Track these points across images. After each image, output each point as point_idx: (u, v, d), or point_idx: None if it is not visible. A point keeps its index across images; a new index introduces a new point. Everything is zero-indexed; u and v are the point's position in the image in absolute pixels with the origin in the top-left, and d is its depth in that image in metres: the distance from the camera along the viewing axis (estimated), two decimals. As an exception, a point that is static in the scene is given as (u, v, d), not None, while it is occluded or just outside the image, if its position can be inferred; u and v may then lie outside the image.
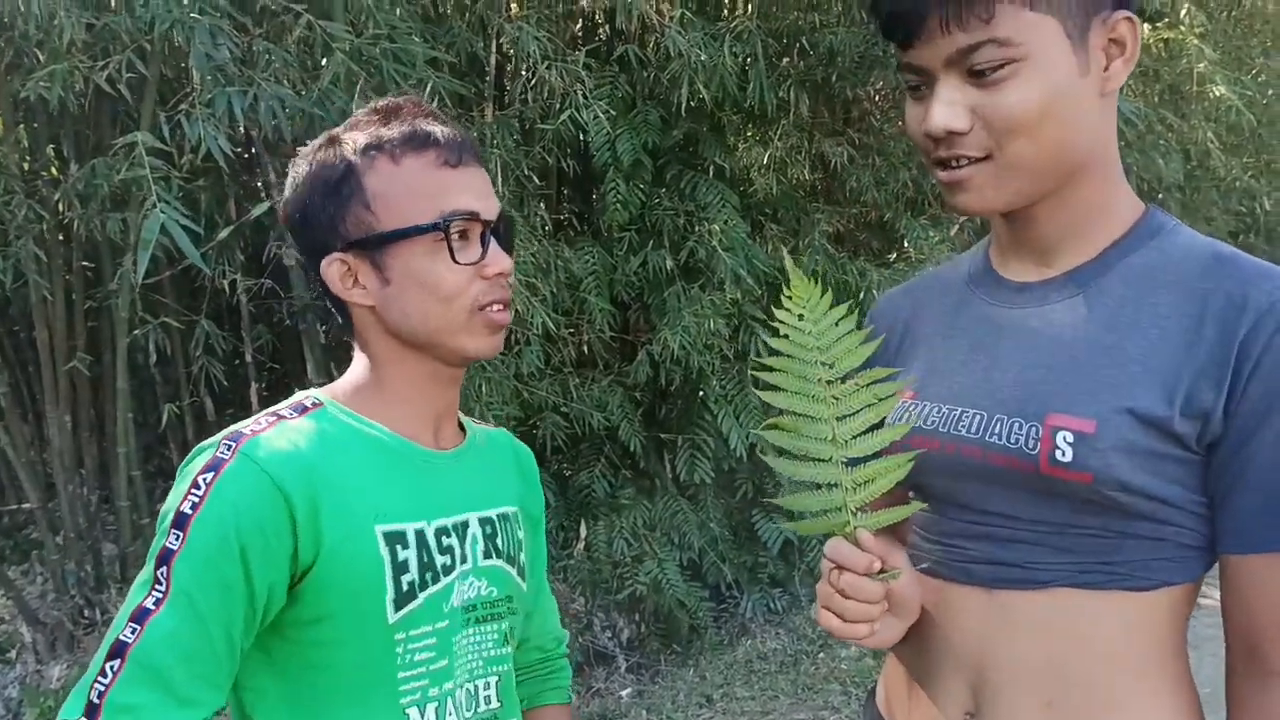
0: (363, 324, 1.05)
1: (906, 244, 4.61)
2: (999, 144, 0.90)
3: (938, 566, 1.01)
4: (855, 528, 0.91)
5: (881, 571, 0.92)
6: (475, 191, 1.02)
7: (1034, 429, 0.90)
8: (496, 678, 1.08)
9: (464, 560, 1.04)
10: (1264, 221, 7.19)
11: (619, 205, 3.83)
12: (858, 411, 0.91)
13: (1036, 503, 0.92)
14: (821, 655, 3.87)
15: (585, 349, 4.08)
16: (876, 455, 0.92)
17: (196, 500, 0.90)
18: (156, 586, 0.88)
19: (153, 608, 0.87)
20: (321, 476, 0.94)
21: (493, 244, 1.02)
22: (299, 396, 1.05)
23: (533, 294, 3.46)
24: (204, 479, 0.91)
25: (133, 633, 0.87)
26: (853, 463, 0.91)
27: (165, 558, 0.89)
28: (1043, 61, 0.87)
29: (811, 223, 4.30)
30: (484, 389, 3.47)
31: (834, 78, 4.20)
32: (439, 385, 1.07)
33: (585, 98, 3.52)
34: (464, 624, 1.04)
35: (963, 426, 0.97)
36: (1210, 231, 6.32)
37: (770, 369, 0.92)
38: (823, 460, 0.91)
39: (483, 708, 1.06)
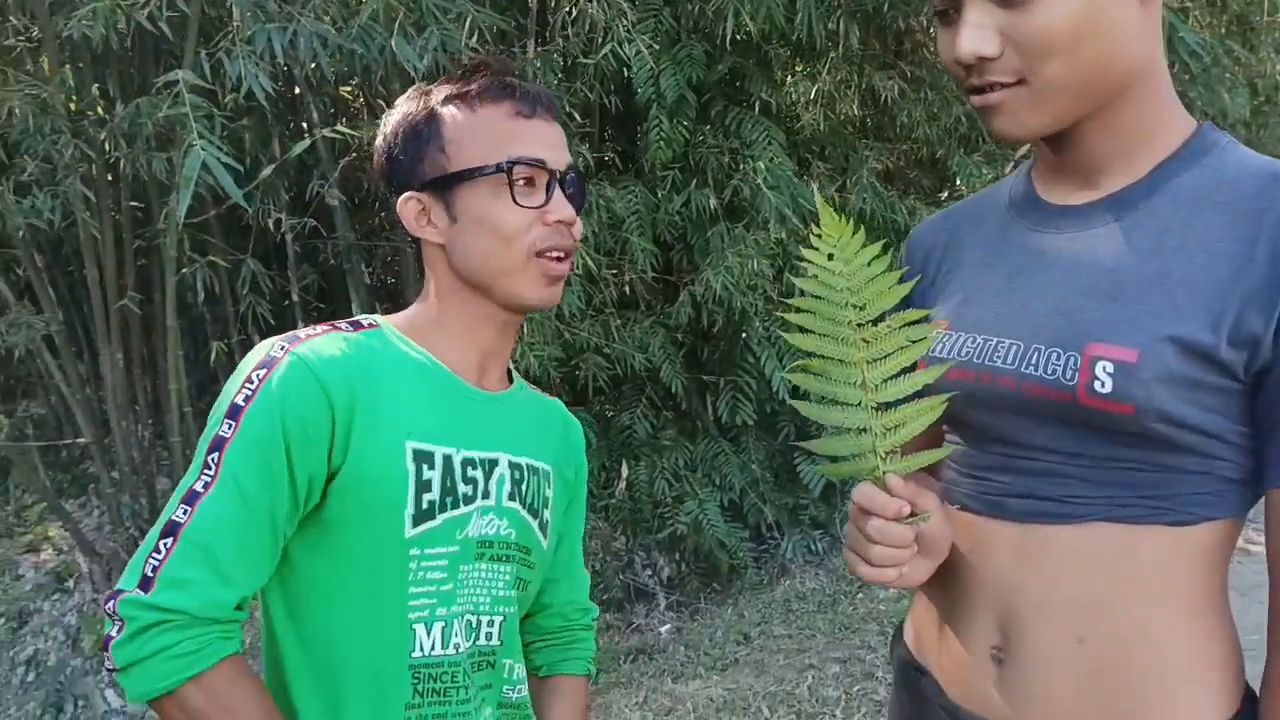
0: (432, 259, 1.10)
1: (959, 181, 4.50)
2: (1032, 67, 0.86)
3: (970, 500, 0.99)
4: (885, 472, 0.89)
5: (911, 515, 0.90)
6: (544, 141, 1.06)
7: (1072, 359, 0.87)
8: (502, 618, 1.10)
9: (486, 495, 1.07)
10: (1334, 158, 6.91)
11: (662, 143, 3.78)
12: (889, 355, 0.88)
13: (1074, 435, 0.89)
14: (860, 596, 3.88)
15: (627, 289, 4.06)
16: (909, 399, 0.89)
17: (250, 393, 0.96)
18: (206, 471, 0.94)
19: (202, 490, 0.93)
20: (362, 385, 0.99)
21: (557, 192, 1.06)
22: (359, 316, 1.10)
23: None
24: (258, 375, 0.97)
25: (184, 514, 0.92)
26: (883, 407, 0.89)
27: (218, 445, 0.95)
28: None
29: (860, 160, 4.21)
30: (525, 329, 3.48)
31: (885, 7, 4.07)
32: (493, 328, 1.10)
33: (628, 32, 3.45)
34: (475, 556, 1.06)
35: (998, 357, 0.94)
36: (1277, 169, 6.10)
37: (798, 310, 0.90)
38: (852, 405, 0.88)
39: (483, 642, 1.09)
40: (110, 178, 3.61)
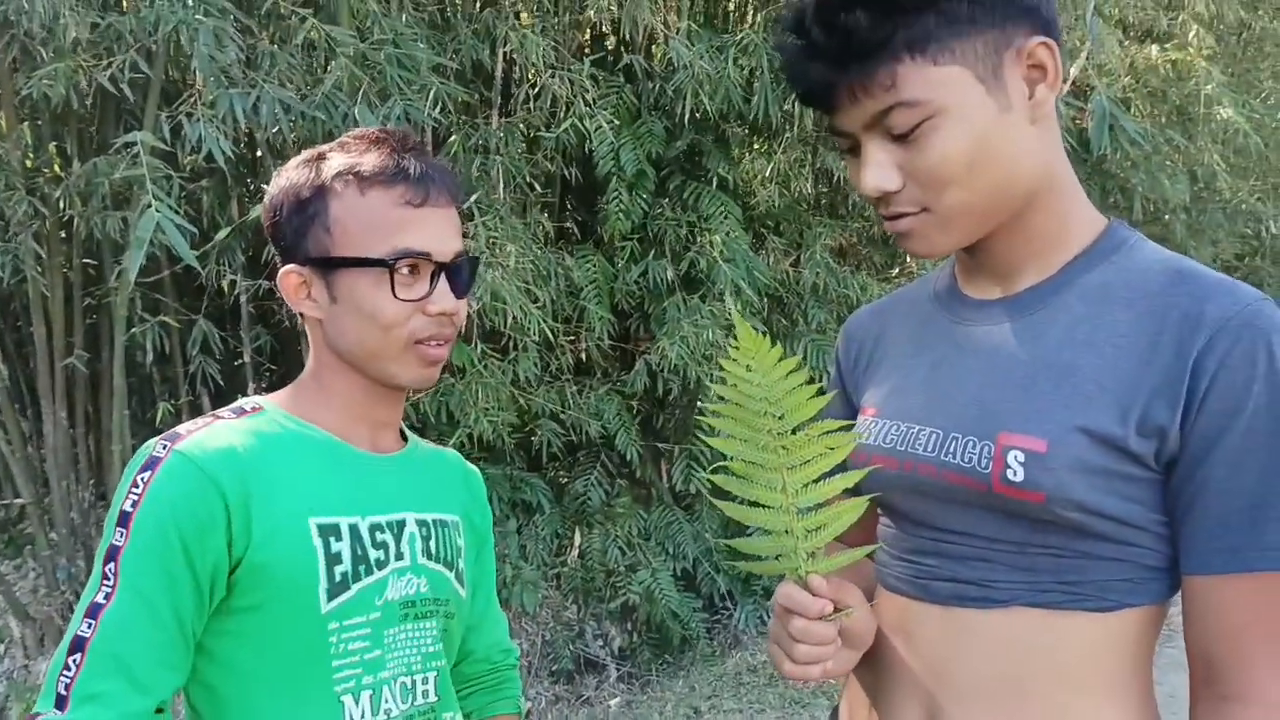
0: (311, 333, 1.11)
1: (908, 259, 4.61)
2: (933, 196, 0.90)
3: (899, 583, 1.01)
4: (807, 573, 0.90)
5: (834, 612, 0.91)
6: (433, 232, 1.05)
7: (986, 447, 0.90)
8: (435, 673, 1.11)
9: (400, 557, 1.08)
10: (1270, 245, 7.16)
11: (621, 214, 3.84)
12: (809, 461, 0.90)
13: (993, 521, 0.92)
14: (812, 670, 3.85)
15: (584, 357, 4.08)
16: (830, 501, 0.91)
17: (136, 498, 0.95)
18: (105, 582, 0.94)
19: (104, 602, 0.93)
20: (254, 470, 0.99)
21: (441, 283, 1.06)
22: (240, 401, 1.10)
23: (531, 301, 3.46)
24: (142, 478, 0.96)
25: (89, 627, 0.92)
26: (804, 510, 0.90)
27: (112, 554, 0.94)
28: (958, 111, 0.87)
29: (814, 235, 4.30)
30: (480, 394, 3.47)
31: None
32: (376, 399, 1.11)
33: (589, 106, 3.52)
34: (400, 619, 1.07)
35: (919, 444, 0.96)
36: (1215, 254, 6.32)
37: (717, 415, 0.92)
38: (773, 508, 0.90)
39: (420, 701, 1.09)
40: (63, 235, 3.57)
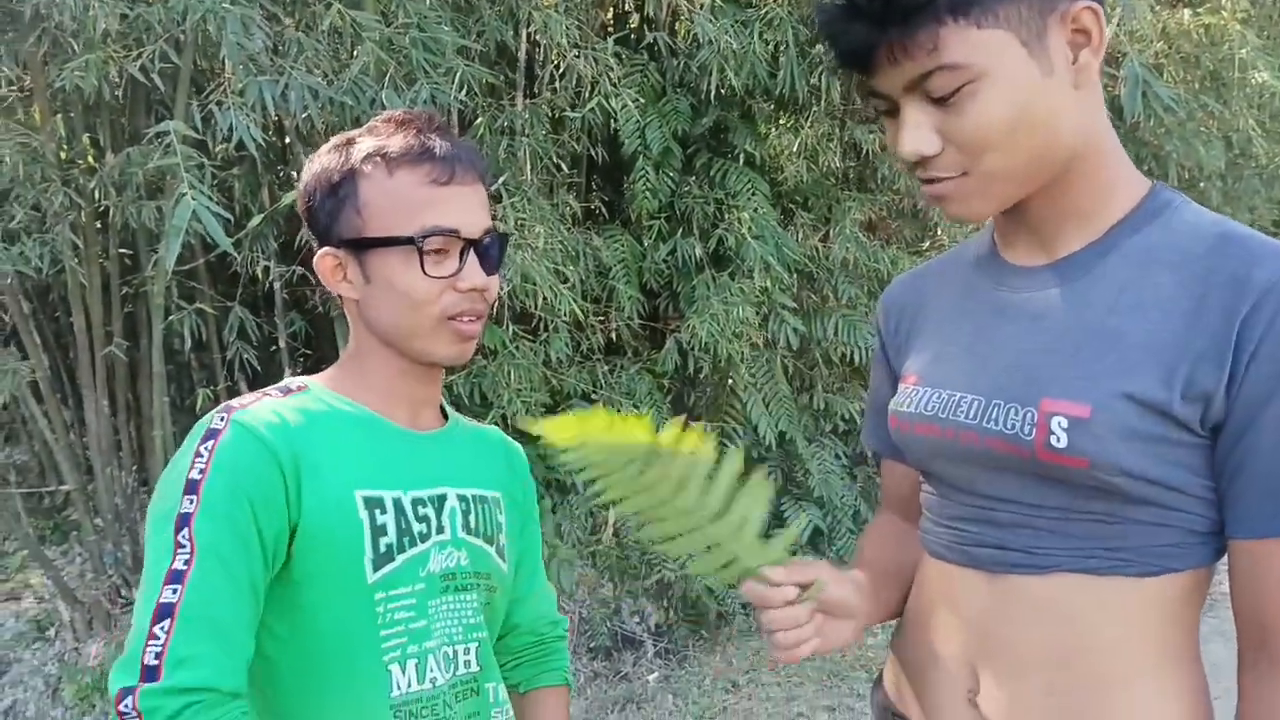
0: (350, 314, 1.13)
1: (940, 231, 4.57)
2: (973, 160, 0.89)
3: (944, 550, 1.01)
4: (758, 567, 0.92)
5: (806, 589, 0.94)
6: (461, 209, 1.07)
7: (1029, 414, 0.90)
8: (476, 644, 1.13)
9: (441, 530, 1.10)
10: (1309, 210, 7.04)
11: (648, 193, 3.84)
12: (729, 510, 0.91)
13: (1036, 487, 0.92)
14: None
15: (614, 336, 4.09)
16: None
17: (203, 465, 0.97)
18: (180, 549, 0.94)
19: (184, 567, 0.93)
20: (303, 444, 1.02)
21: (471, 260, 1.07)
22: (286, 381, 1.13)
23: (561, 281, 3.47)
24: (205, 447, 0.99)
25: (174, 593, 0.92)
26: (719, 518, 0.91)
27: (184, 521, 0.95)
28: (1000, 76, 0.86)
29: (843, 210, 4.28)
30: (513, 375, 3.50)
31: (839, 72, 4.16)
32: (415, 378, 1.13)
33: (614, 85, 3.52)
34: (441, 590, 1.09)
35: (961, 412, 0.96)
36: (1252, 221, 6.21)
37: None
38: (686, 534, 0.91)
39: (462, 670, 1.11)
40: (99, 225, 3.62)
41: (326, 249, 1.09)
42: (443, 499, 1.12)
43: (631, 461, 0.89)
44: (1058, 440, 0.87)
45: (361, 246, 1.06)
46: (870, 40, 0.87)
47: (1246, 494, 0.84)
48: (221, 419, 1.01)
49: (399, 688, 1.04)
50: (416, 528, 1.08)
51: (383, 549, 1.04)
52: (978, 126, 0.87)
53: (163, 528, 0.95)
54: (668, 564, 3.92)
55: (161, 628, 0.90)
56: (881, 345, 1.17)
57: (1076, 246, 0.95)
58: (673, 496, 0.90)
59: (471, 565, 1.13)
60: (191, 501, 0.96)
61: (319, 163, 1.10)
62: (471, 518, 1.15)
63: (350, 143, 1.09)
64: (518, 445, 1.31)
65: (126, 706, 0.89)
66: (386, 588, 1.04)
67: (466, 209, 1.07)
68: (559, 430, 0.90)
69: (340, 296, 1.11)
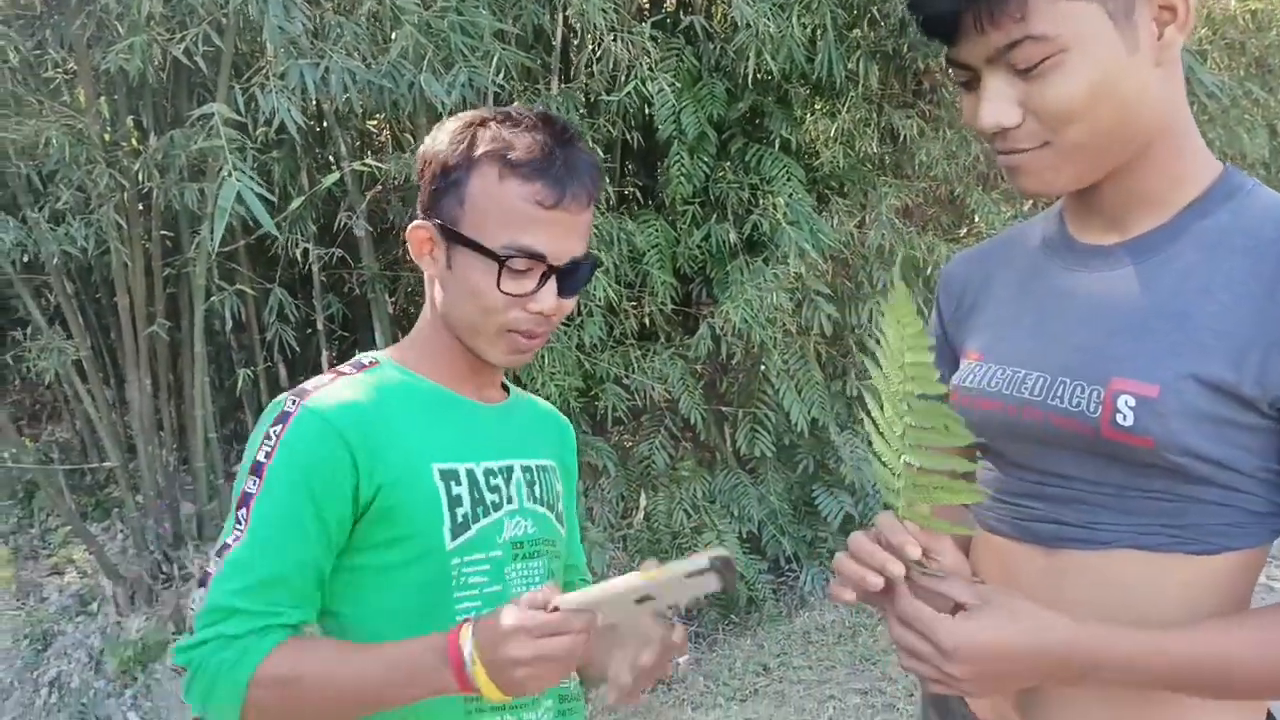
0: (429, 288, 1.15)
1: (977, 219, 4.53)
2: (1054, 132, 0.89)
3: (1000, 525, 1.02)
4: (903, 517, 0.91)
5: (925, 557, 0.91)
6: (556, 236, 1.06)
7: (1096, 392, 0.90)
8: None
9: (510, 500, 1.14)
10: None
11: (683, 178, 3.83)
12: (928, 427, 0.88)
13: (1098, 465, 0.92)
14: (880, 628, 3.86)
15: (647, 321, 4.10)
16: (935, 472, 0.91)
17: (269, 449, 1.02)
18: (237, 526, 1.01)
19: (232, 543, 1.00)
20: (379, 421, 1.05)
21: (549, 285, 1.07)
22: (359, 356, 1.16)
23: (596, 266, 3.48)
24: (274, 431, 1.03)
25: (217, 565, 1.01)
26: (911, 469, 0.90)
27: (245, 501, 1.01)
28: (1086, 48, 0.85)
29: (879, 196, 4.25)
30: (547, 359, 3.52)
31: (905, 48, 4.13)
32: (477, 361, 1.15)
33: (650, 70, 3.52)
34: (514, 558, 1.13)
35: (1025, 389, 0.97)
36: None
37: (877, 341, 0.91)
38: (890, 448, 0.90)
39: None
40: (142, 207, 3.68)
41: (423, 221, 1.11)
42: (510, 470, 1.16)
43: (902, 374, 0.89)
44: (1124, 419, 0.87)
45: (453, 236, 1.08)
46: (956, 7, 0.87)
47: None
48: (294, 402, 1.04)
49: None
50: (489, 498, 1.11)
51: (459, 519, 1.08)
52: (1061, 99, 0.87)
53: (234, 505, 1.02)
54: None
55: (199, 594, 1.00)
56: (940, 321, 1.17)
57: (1147, 228, 0.95)
58: (905, 427, 0.89)
59: (538, 533, 1.17)
60: (255, 483, 1.01)
61: (444, 136, 1.10)
62: (536, 488, 1.19)
63: (480, 125, 1.09)
64: (566, 419, 1.35)
65: (171, 660, 0.99)
66: (463, 554, 1.08)
67: (562, 236, 1.07)
68: (904, 298, 0.88)
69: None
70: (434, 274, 1.12)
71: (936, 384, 0.88)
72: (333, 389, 1.06)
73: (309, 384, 1.08)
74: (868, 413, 0.93)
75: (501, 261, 1.05)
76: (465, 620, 0.98)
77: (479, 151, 1.07)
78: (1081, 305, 0.97)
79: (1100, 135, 0.89)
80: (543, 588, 0.96)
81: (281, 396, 1.07)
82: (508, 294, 1.06)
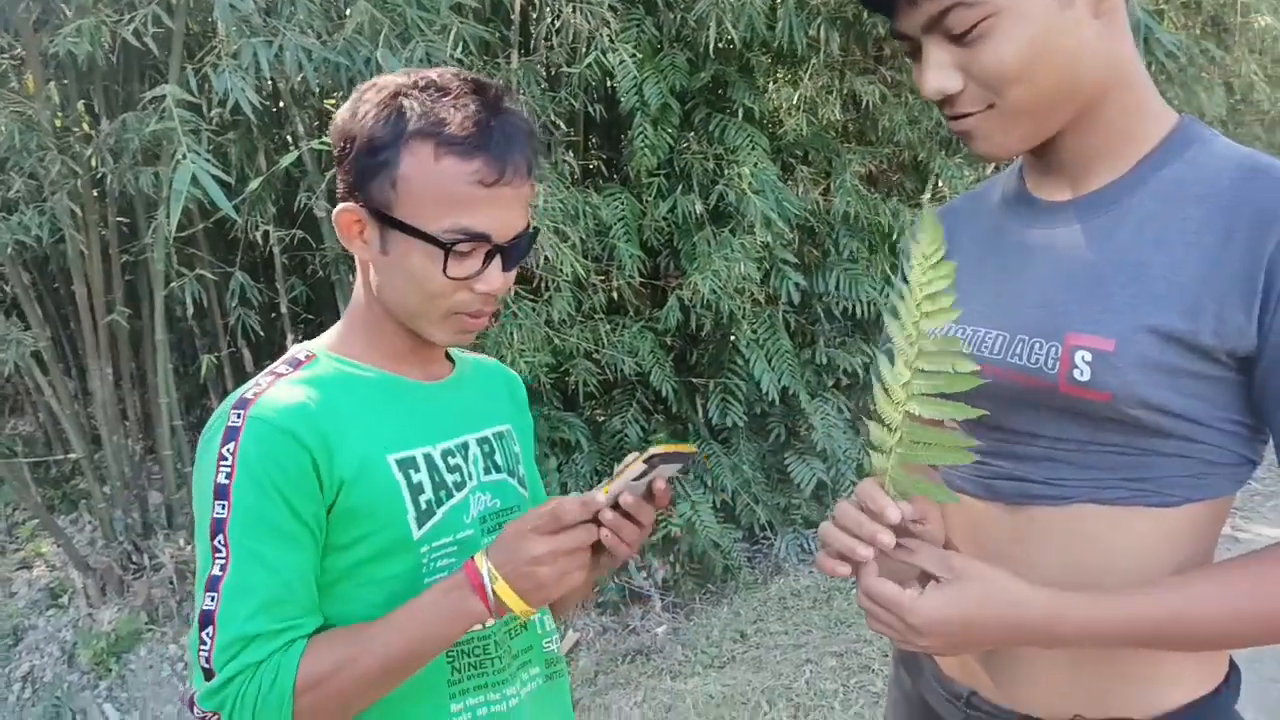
0: (361, 272, 1.10)
1: (940, 183, 4.55)
2: (996, 94, 0.90)
3: (965, 484, 1.03)
4: (894, 486, 0.91)
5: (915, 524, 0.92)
6: (499, 214, 1.01)
7: (1054, 348, 0.91)
8: None
9: (471, 477, 1.12)
10: (1310, 155, 6.99)
11: (647, 150, 3.81)
12: (934, 373, 0.89)
13: (1058, 421, 0.93)
14: (854, 591, 3.87)
15: (616, 295, 4.09)
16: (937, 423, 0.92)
17: (228, 470, 0.97)
18: (218, 555, 0.96)
19: (220, 574, 0.96)
20: (327, 419, 1.01)
21: (494, 265, 1.03)
22: (292, 351, 1.11)
23: (562, 240, 3.46)
24: (228, 450, 0.98)
25: (212, 600, 0.96)
26: (912, 421, 0.90)
27: (218, 527, 0.97)
28: (1017, 8, 0.86)
29: (844, 163, 4.25)
30: (515, 336, 3.50)
31: (865, 14, 4.12)
32: (420, 341, 1.11)
33: (611, 41, 3.48)
34: (483, 532, 1.12)
35: (986, 347, 0.98)
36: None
37: (901, 297, 0.92)
38: (892, 400, 0.91)
39: None
40: (97, 193, 3.61)
41: (350, 205, 1.04)
42: (465, 447, 1.13)
43: (917, 306, 0.90)
44: (1081, 374, 0.88)
45: (387, 220, 1.01)
46: None
47: None
48: (238, 415, 0.99)
49: None
50: (450, 479, 1.09)
51: (423, 506, 1.05)
52: (997, 62, 0.88)
53: (204, 538, 0.98)
54: (673, 521, 3.95)
55: (207, 634, 0.95)
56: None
57: (1104, 182, 0.95)
58: (912, 366, 0.89)
59: (503, 503, 1.15)
60: (223, 507, 0.97)
61: (363, 110, 1.02)
62: (496, 456, 1.17)
63: (405, 96, 1.01)
64: (514, 373, 1.32)
65: (199, 711, 0.95)
66: (431, 540, 1.06)
67: (505, 214, 1.02)
68: (932, 229, 0.90)
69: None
70: (366, 258, 1.06)
71: (951, 310, 0.88)
72: (274, 392, 1.01)
73: (247, 391, 1.02)
74: (877, 376, 0.94)
75: (447, 248, 0.99)
76: None
77: (410, 128, 0.99)
78: (1039, 262, 0.97)
79: (1042, 93, 0.89)
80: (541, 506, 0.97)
81: (222, 409, 1.01)
82: (454, 279, 1.01)
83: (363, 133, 1.01)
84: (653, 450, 0.99)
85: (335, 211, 1.06)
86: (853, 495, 0.94)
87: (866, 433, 0.94)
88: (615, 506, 1.01)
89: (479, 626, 1.06)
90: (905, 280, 0.91)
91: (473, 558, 0.99)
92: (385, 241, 1.03)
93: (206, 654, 0.94)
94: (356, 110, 1.03)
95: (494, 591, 0.95)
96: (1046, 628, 0.87)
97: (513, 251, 1.05)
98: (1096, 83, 0.91)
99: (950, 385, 0.88)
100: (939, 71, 0.90)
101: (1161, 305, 0.86)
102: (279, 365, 1.07)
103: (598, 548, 1.02)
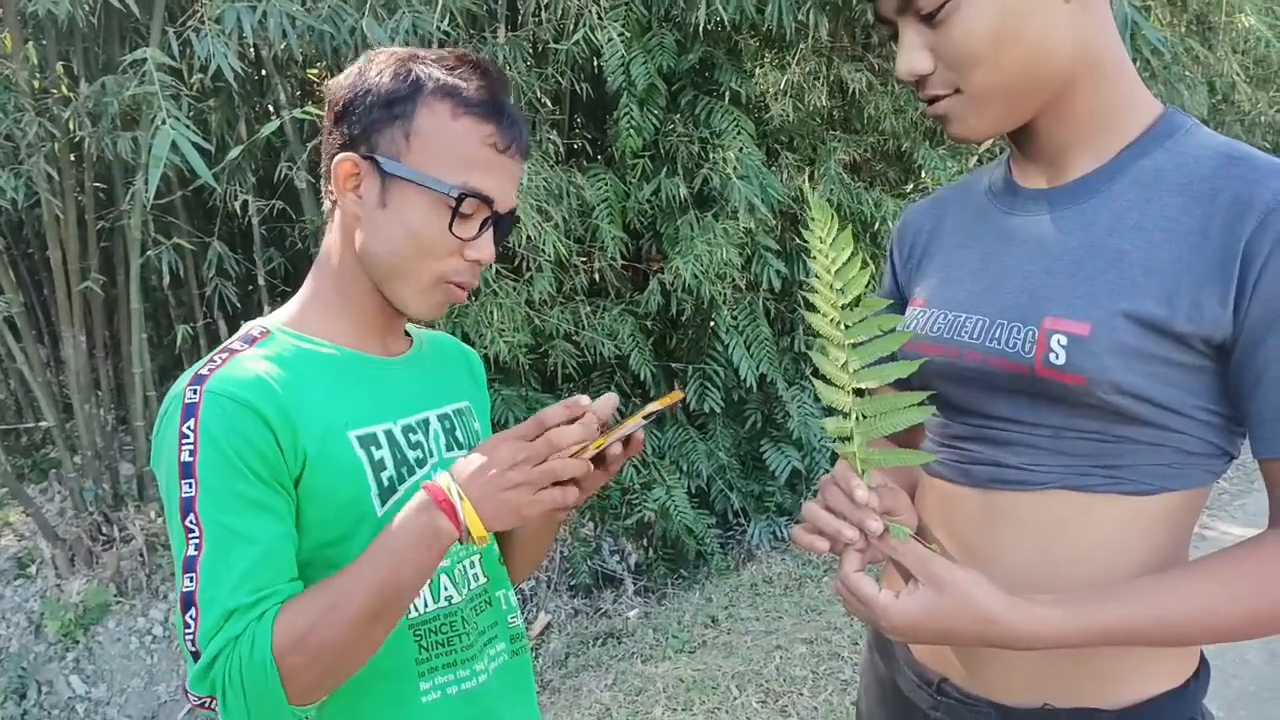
0: (342, 232, 1.07)
1: (924, 174, 4.56)
2: (963, 77, 0.91)
3: (940, 468, 1.03)
4: (866, 470, 0.90)
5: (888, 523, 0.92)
6: (504, 181, 1.04)
7: (1031, 332, 0.91)
8: (478, 554, 1.15)
9: (432, 454, 1.11)
10: (1289, 157, 7.05)
11: (632, 131, 3.79)
12: (867, 341, 0.90)
13: (1034, 406, 0.93)
14: (826, 579, 3.92)
15: (597, 277, 4.07)
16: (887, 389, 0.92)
17: (190, 447, 0.95)
18: (191, 535, 0.93)
19: (196, 553, 0.93)
20: (286, 395, 0.99)
21: (489, 233, 1.05)
22: (246, 328, 1.08)
23: (544, 220, 3.44)
24: (188, 427, 0.95)
25: (191, 581, 0.93)
26: (862, 393, 0.90)
27: (188, 507, 0.94)
28: None
29: (828, 151, 4.25)
30: (495, 315, 3.48)
31: (854, 0, 4.11)
32: (381, 309, 1.10)
33: (600, 18, 3.46)
34: None
35: (965, 332, 0.98)
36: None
37: (812, 290, 0.92)
38: (838, 386, 0.91)
39: (474, 584, 1.13)
40: (74, 158, 3.56)
41: (350, 154, 1.03)
42: (426, 423, 1.12)
43: (835, 287, 0.90)
44: (1056, 358, 0.88)
45: (394, 172, 1.01)
46: None
47: (1265, 414, 0.85)
48: (194, 391, 0.96)
49: (415, 609, 1.06)
50: (412, 455, 1.08)
51: (385, 483, 1.04)
52: (963, 42, 0.89)
53: (174, 519, 0.95)
54: (648, 504, 3.95)
55: (190, 616, 0.93)
56: (892, 272, 1.17)
57: (1085, 170, 0.96)
58: (845, 344, 0.90)
59: None
60: (190, 485, 0.94)
61: (377, 68, 1.03)
62: (457, 433, 1.16)
63: (418, 61, 1.04)
64: (472, 350, 1.31)
65: (193, 698, 0.93)
66: (392, 517, 1.01)
67: (508, 183, 1.05)
68: (821, 211, 0.93)
69: (337, 206, 1.06)
70: (357, 212, 1.04)
71: (862, 272, 0.89)
72: (230, 369, 0.99)
73: (202, 368, 1.00)
74: (814, 369, 0.94)
75: (457, 201, 1.00)
76: None
77: (429, 86, 1.01)
78: (1020, 248, 0.98)
79: (1008, 76, 0.90)
80: None
81: (176, 389, 0.98)
82: (455, 236, 1.02)
83: (377, 87, 1.02)
84: (650, 408, 1.00)
85: (335, 160, 1.04)
86: (831, 474, 0.93)
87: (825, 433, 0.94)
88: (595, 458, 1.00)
89: (445, 603, 1.06)
90: (811, 275, 0.92)
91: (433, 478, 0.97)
92: (386, 193, 1.02)
93: (191, 636, 0.92)
94: (365, 70, 1.04)
95: (461, 510, 0.92)
96: (1020, 641, 0.87)
97: (504, 225, 1.07)
98: (1067, 68, 0.91)
99: (886, 346, 0.89)
100: (910, 53, 0.92)
101: (1138, 291, 0.87)
102: (233, 342, 1.05)
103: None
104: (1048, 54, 0.90)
